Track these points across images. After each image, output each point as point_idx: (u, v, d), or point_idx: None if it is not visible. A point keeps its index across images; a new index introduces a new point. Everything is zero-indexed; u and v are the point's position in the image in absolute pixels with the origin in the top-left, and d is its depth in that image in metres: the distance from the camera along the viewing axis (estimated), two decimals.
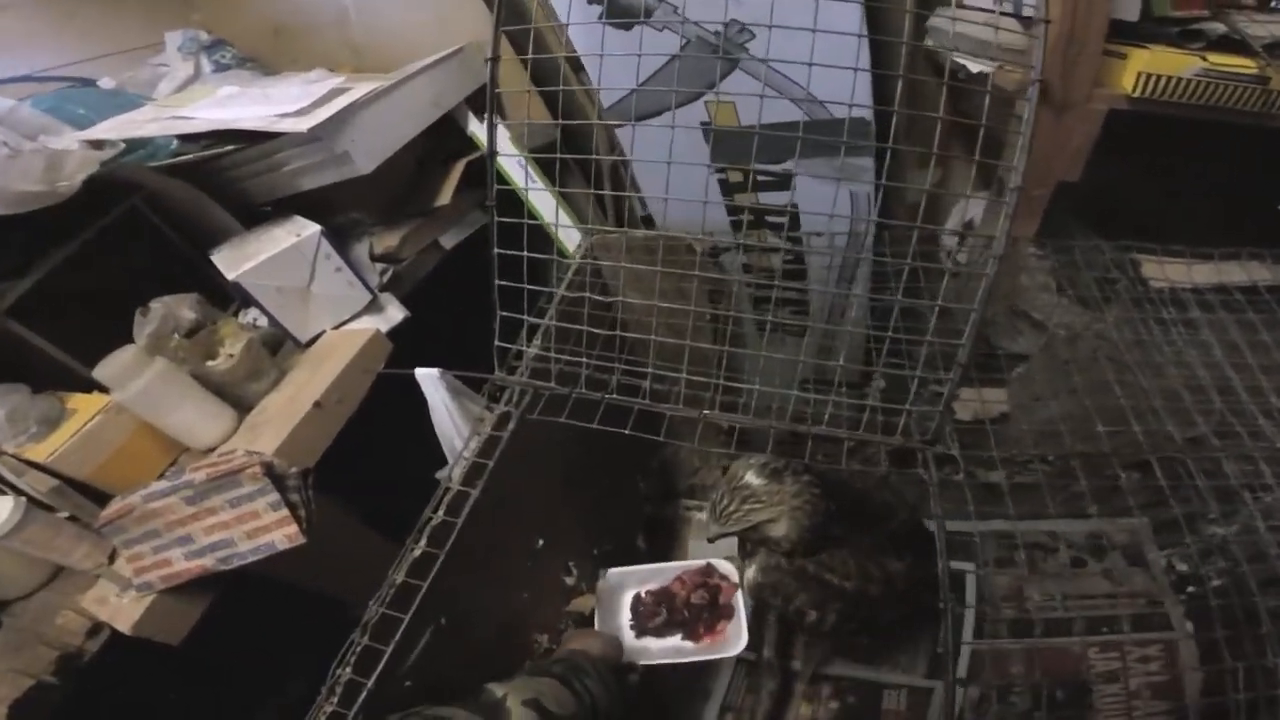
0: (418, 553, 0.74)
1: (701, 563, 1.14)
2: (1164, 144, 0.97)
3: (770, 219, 1.21)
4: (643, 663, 1.03)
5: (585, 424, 0.77)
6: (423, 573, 0.73)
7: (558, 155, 0.94)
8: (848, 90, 0.76)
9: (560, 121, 0.85)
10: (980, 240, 1.09)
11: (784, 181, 1.15)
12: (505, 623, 0.99)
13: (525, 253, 0.80)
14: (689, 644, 1.10)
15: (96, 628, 0.91)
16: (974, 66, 1.01)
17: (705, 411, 0.78)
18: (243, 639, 1.17)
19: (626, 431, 0.76)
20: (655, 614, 1.10)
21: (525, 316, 0.84)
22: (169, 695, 1.12)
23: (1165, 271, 1.13)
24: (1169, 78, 0.87)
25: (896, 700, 1.32)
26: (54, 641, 0.90)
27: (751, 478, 0.87)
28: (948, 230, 1.15)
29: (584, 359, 0.81)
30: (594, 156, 1.16)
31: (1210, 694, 1.14)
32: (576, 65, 1.37)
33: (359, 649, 0.71)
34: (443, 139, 1.38)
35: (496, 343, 0.83)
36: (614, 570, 1.13)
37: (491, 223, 0.81)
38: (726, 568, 1.14)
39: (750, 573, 0.97)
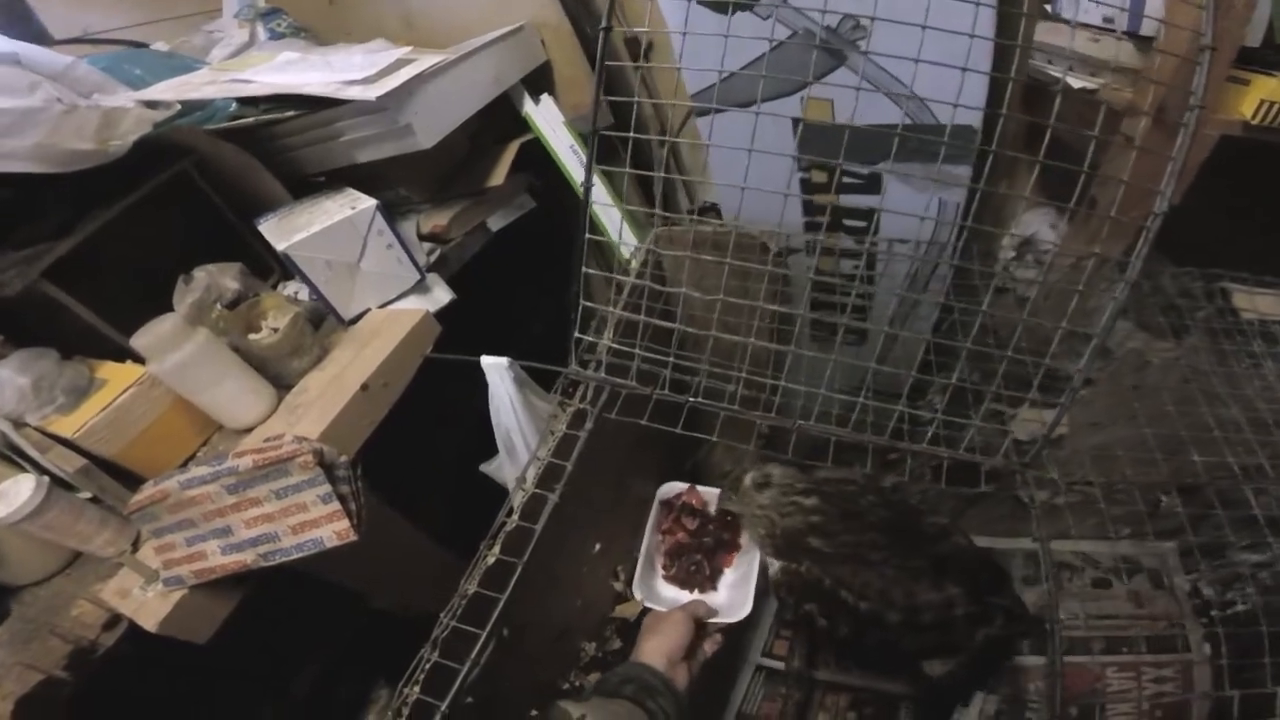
0: (491, 560, 0.63)
1: (654, 509, 1.05)
2: (1266, 173, 0.91)
3: (849, 222, 1.11)
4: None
5: (669, 428, 0.67)
6: (497, 583, 0.62)
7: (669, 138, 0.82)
8: (956, 94, 0.67)
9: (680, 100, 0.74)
10: (1066, 257, 1.00)
11: (870, 185, 1.05)
12: (558, 632, 0.89)
13: (620, 239, 0.70)
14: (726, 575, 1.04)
15: (113, 620, 0.79)
16: (1076, 83, 0.93)
17: (800, 423, 0.68)
18: (253, 628, 1.08)
19: (714, 439, 0.66)
20: (695, 567, 1.02)
21: (610, 309, 0.74)
22: (179, 690, 1.02)
23: (1255, 303, 1.06)
24: None
25: (913, 714, 1.25)
26: (67, 634, 0.78)
27: (748, 479, 0.89)
28: (1052, 250, 1.05)
29: (670, 358, 0.70)
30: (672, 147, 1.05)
31: (1221, 716, 1.08)
32: (635, 54, 1.27)
33: (428, 666, 0.61)
34: (494, 119, 1.28)
35: (576, 334, 0.73)
36: (636, 585, 1.02)
37: (585, 205, 0.70)
38: (671, 488, 1.06)
39: (774, 570, 0.92)
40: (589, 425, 0.69)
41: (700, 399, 0.69)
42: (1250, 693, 0.79)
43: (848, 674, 1.28)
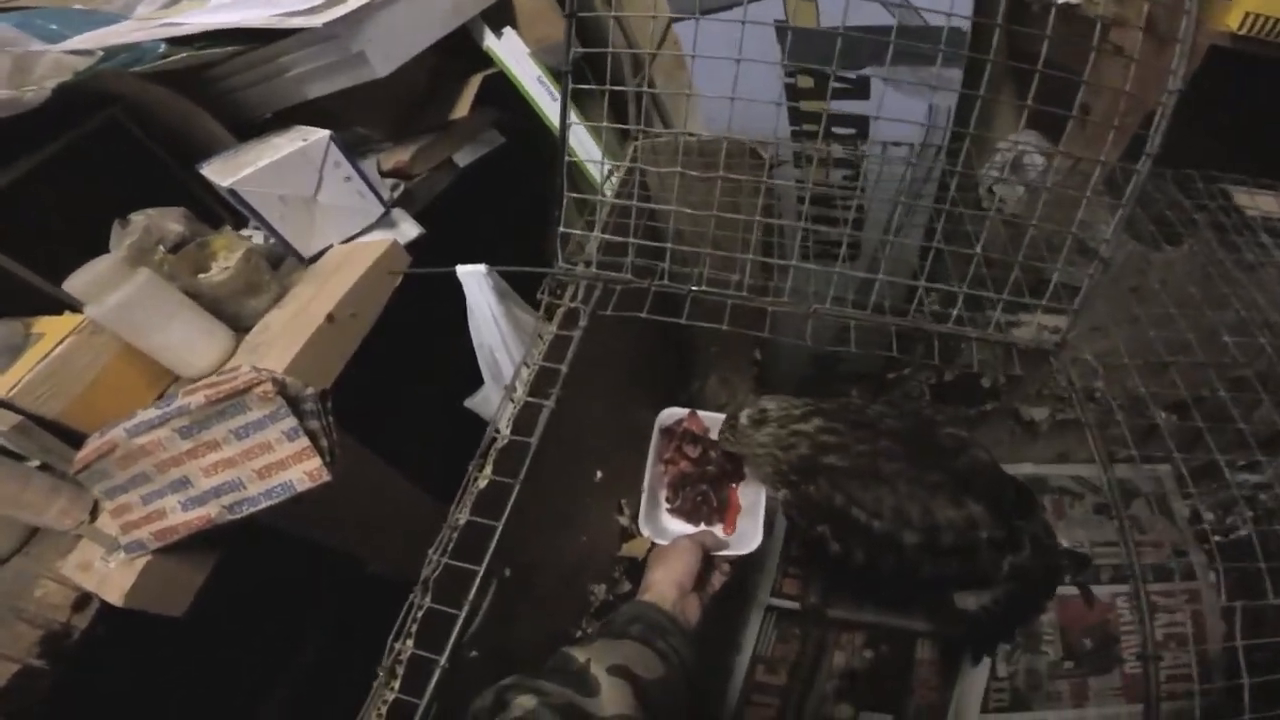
0: (483, 483, 0.54)
1: (654, 438, 0.95)
2: (1258, 85, 0.92)
3: (838, 129, 1.03)
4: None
5: (673, 319, 0.58)
6: (492, 510, 0.54)
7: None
8: None
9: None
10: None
11: (859, 90, 0.97)
12: (565, 572, 0.80)
13: (603, 124, 0.61)
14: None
15: (84, 599, 0.71)
16: None
17: (815, 307, 0.60)
18: (244, 600, 0.99)
19: (724, 327, 0.58)
20: (700, 497, 0.94)
21: (598, 197, 0.65)
22: (171, 671, 0.93)
23: (1257, 202, 1.02)
24: (1276, 19, 0.83)
25: (930, 649, 1.19)
26: (35, 618, 0.70)
27: (743, 416, 0.84)
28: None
29: (667, 246, 0.62)
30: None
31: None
32: None
33: (420, 613, 0.52)
34: (454, 56, 1.18)
35: (561, 229, 0.64)
36: (641, 520, 0.93)
37: (565, 85, 0.61)
38: (671, 414, 0.96)
39: (782, 494, 0.85)
40: (583, 323, 0.60)
41: (704, 288, 0.61)
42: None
43: (861, 611, 1.22)
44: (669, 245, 0.63)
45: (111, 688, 0.87)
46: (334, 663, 1.13)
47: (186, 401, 0.62)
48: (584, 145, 1.13)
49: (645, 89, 0.62)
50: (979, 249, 0.61)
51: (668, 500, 0.93)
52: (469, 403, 0.95)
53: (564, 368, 0.57)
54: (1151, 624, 0.54)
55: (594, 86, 0.64)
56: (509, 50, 1.19)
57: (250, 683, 1.08)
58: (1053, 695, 1.14)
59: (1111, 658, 1.16)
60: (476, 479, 0.55)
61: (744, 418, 0.84)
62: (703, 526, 0.92)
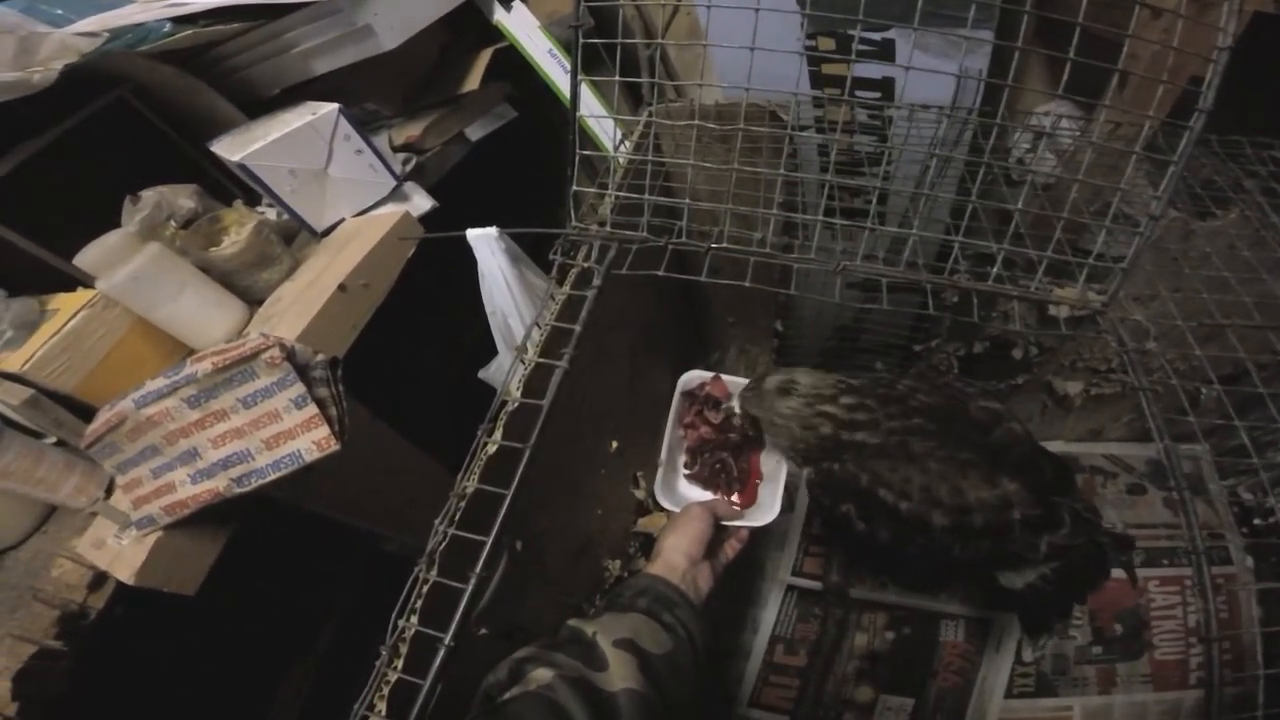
0: (492, 448, 0.52)
1: (675, 401, 0.91)
2: None
3: (862, 93, 0.98)
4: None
5: (693, 278, 0.56)
6: (502, 476, 0.51)
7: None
8: None
9: None
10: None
11: (884, 51, 0.92)
12: (578, 546, 0.77)
13: (615, 78, 0.57)
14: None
15: (99, 578, 0.70)
16: None
17: (845, 264, 0.57)
18: (263, 583, 0.98)
19: (746, 283, 0.54)
20: (719, 464, 0.90)
21: (610, 153, 0.62)
22: (191, 652, 0.93)
23: None
24: None
25: (954, 631, 1.14)
26: (52, 598, 0.69)
27: (769, 381, 0.81)
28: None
29: (685, 204, 0.59)
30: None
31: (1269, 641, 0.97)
32: None
33: (425, 588, 0.49)
34: (463, 31, 1.15)
35: (574, 188, 0.61)
36: (658, 487, 0.90)
37: (576, 39, 0.58)
38: (694, 377, 0.92)
39: (808, 469, 0.82)
40: (597, 282, 0.57)
41: (725, 244, 0.57)
42: None
43: (885, 592, 1.18)
44: (686, 202, 0.59)
45: (130, 670, 0.86)
46: (352, 645, 1.13)
47: (194, 369, 0.61)
48: (595, 113, 1.11)
49: (660, 41, 0.57)
50: (1020, 204, 0.57)
51: (686, 466, 0.90)
52: (483, 374, 0.93)
53: (578, 327, 0.54)
54: (1215, 605, 0.49)
55: (603, 40, 0.60)
56: (519, 24, 1.16)
57: (269, 665, 1.07)
58: (1079, 681, 1.10)
59: (1141, 643, 1.12)
60: (485, 444, 0.52)
61: (770, 383, 0.81)
62: (720, 494, 0.89)
